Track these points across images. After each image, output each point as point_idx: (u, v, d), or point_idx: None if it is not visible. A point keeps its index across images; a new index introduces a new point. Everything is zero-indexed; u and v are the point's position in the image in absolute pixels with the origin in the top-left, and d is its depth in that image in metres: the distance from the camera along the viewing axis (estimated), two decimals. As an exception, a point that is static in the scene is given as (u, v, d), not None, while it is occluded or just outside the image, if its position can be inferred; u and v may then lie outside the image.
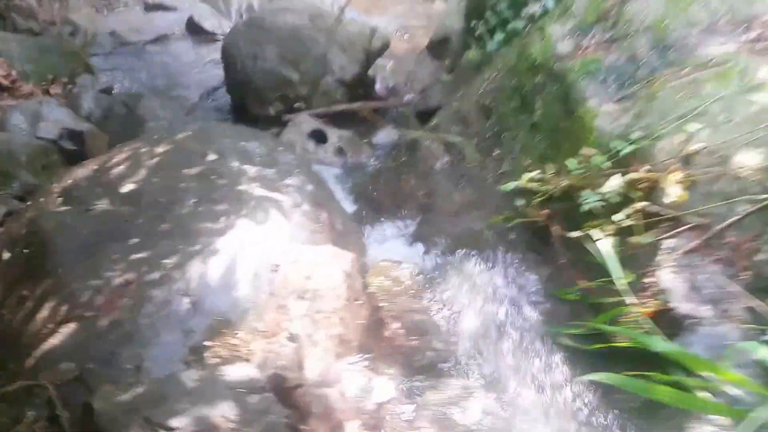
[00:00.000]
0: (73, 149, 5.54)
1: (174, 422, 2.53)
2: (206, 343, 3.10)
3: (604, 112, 4.13)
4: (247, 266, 3.41)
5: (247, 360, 3.09)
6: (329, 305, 3.33)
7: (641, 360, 3.16)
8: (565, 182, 4.01)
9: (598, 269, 3.63)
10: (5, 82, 6.25)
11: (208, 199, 3.74)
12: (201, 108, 7.47)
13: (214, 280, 3.29)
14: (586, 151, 3.94)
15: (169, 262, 3.32)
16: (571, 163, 3.99)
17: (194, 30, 9.32)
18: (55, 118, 5.66)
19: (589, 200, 3.76)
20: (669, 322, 3.32)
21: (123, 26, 8.95)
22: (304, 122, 6.79)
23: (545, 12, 5.41)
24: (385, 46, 7.97)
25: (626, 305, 3.43)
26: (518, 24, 5.71)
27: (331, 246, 3.73)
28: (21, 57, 6.65)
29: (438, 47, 7.96)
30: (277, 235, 3.66)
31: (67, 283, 3.26)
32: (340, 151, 6.55)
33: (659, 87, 4.05)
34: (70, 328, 3.13)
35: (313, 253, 3.52)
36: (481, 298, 3.87)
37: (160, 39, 8.97)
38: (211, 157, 4.06)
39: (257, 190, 3.85)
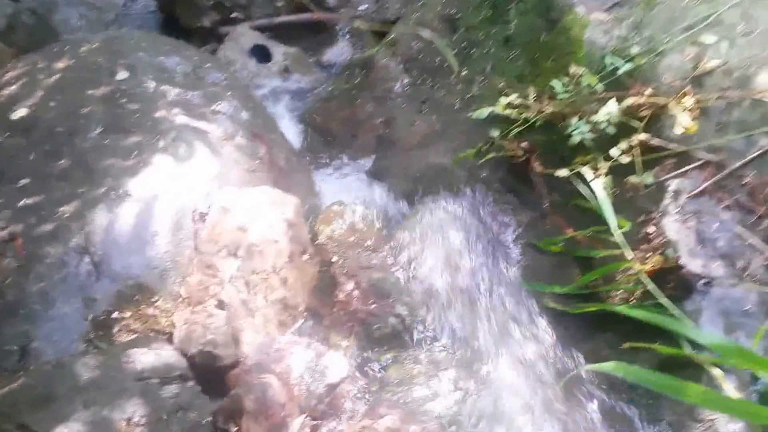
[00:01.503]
0: (-34, 66, 4.82)
1: (60, 430, 2.00)
2: (115, 314, 2.56)
3: (594, 21, 3.63)
4: (166, 215, 2.86)
5: (167, 335, 2.56)
6: (268, 263, 2.79)
7: (638, 325, 2.80)
8: (548, 108, 3.56)
9: (589, 215, 3.25)
10: None
11: (117, 128, 3.15)
12: (124, 19, 6.75)
13: (124, 233, 2.72)
14: (574, 69, 3.48)
15: (65, 209, 2.74)
16: (557, 84, 3.50)
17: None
18: (-56, 29, 4.92)
19: (579, 130, 3.34)
20: (674, 282, 2.95)
21: None
22: (244, 35, 6.16)
23: None
24: (335, -54, 7.28)
25: (623, 260, 3.00)
26: None
27: (270, 188, 3.17)
28: None
29: (395, -51, 7.34)
30: (204, 175, 3.08)
31: (-67, 238, 2.66)
32: (285, 71, 5.96)
33: None
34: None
35: (248, 197, 2.95)
36: (450, 250, 3.37)
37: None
38: (122, 75, 3.43)
39: (178, 118, 3.25)
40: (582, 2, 3.80)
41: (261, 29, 6.45)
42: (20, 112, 3.22)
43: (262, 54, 6.04)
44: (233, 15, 6.51)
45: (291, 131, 4.94)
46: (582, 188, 3.17)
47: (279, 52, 6.06)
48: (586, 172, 3.18)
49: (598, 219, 3.10)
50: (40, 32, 5.72)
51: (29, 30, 5.69)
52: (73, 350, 2.43)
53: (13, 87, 3.40)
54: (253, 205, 2.91)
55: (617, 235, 3.01)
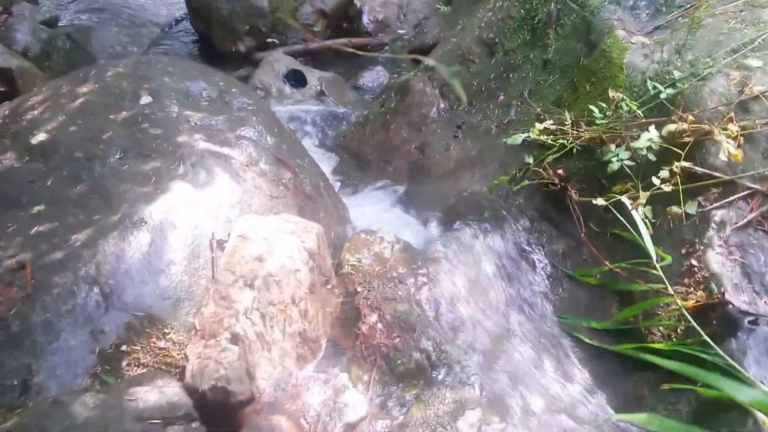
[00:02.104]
0: (0, 90, 4.81)
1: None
2: (124, 347, 2.44)
3: (634, 45, 3.48)
4: (182, 243, 2.74)
5: (179, 369, 2.44)
6: (287, 294, 2.66)
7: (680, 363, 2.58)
8: (586, 134, 3.40)
9: (628, 246, 3.11)
10: None
11: (137, 153, 3.05)
12: (161, 43, 6.75)
13: (137, 262, 2.61)
14: (613, 94, 3.31)
15: (78, 237, 2.63)
16: (595, 109, 3.34)
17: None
18: (-20, 55, 4.93)
19: (617, 157, 3.20)
20: (718, 319, 2.78)
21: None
22: (279, 60, 6.14)
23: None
24: (375, -28, 7.25)
25: (664, 295, 2.83)
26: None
27: (293, 215, 3.05)
28: (-62, -18, 5.87)
29: (436, -26, 7.28)
30: (224, 202, 2.97)
31: (-57, 266, 2.57)
32: (320, 95, 5.90)
33: (704, 13, 3.46)
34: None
35: (267, 225, 2.83)
36: (481, 280, 3.22)
37: (122, -37, 8.18)
38: (145, 99, 3.35)
39: (200, 143, 3.15)
40: (622, 26, 3.67)
41: (297, 54, 6.42)
42: (40, 137, 3.15)
43: (297, 79, 6.00)
44: (269, 40, 6.49)
45: (323, 155, 4.87)
46: (620, 217, 2.99)
47: (314, 76, 6.02)
48: (625, 200, 3.01)
49: (638, 250, 2.93)
50: (76, 57, 5.74)
51: (65, 55, 5.72)
52: (78, 385, 2.30)
53: (36, 111, 3.33)
54: (272, 233, 2.78)
55: (658, 269, 2.83)
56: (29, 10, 6.12)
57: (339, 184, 4.55)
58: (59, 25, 6.48)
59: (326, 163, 4.73)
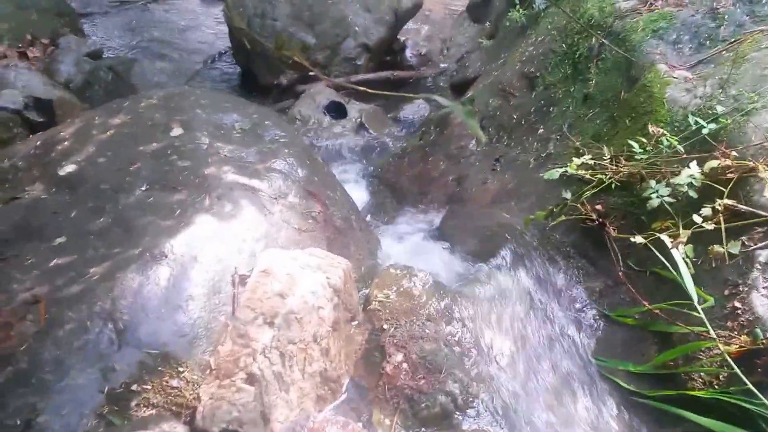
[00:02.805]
0: (40, 121, 4.84)
1: None
2: (134, 387, 2.33)
3: (677, 80, 3.33)
4: (203, 278, 2.63)
5: (191, 410, 2.33)
6: (308, 332, 2.53)
7: (724, 411, 2.54)
8: (625, 169, 3.24)
9: (668, 285, 2.95)
10: (-28, 43, 5.57)
11: (163, 185, 2.98)
12: (202, 75, 6.77)
13: (154, 297, 2.51)
14: (653, 129, 3.16)
15: (96, 271, 2.55)
16: (635, 144, 3.19)
17: (207, -14, 8.63)
18: (24, 85, 4.96)
19: (658, 193, 3.03)
20: (763, 367, 2.60)
21: (125, -18, 8.26)
22: (320, 93, 6.10)
23: (603, -37, 4.66)
24: (417, 6, 7.23)
25: (705, 339, 2.65)
26: (571, -23, 4.94)
27: (319, 250, 2.94)
28: (-7, 15, 5.93)
29: (478, 9, 7.26)
30: (249, 235, 2.87)
31: (-40, 298, 2.51)
32: (360, 127, 5.83)
33: (749, 48, 3.31)
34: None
35: (292, 260, 2.72)
36: (514, 318, 3.07)
37: (166, -3, 8.28)
38: (176, 131, 3.29)
39: (228, 175, 3.07)
40: (664, 60, 3.53)
41: (338, 87, 6.38)
42: (68, 168, 3.10)
43: (337, 111, 5.95)
44: (311, 73, 6.47)
45: (359, 187, 4.80)
46: (660, 256, 2.83)
47: (354, 108, 5.98)
48: (665, 239, 2.85)
49: (678, 290, 2.78)
50: (117, 88, 5.75)
51: (106, 86, 5.74)
52: (83, 426, 2.19)
53: (66, 143, 3.29)
54: (296, 268, 2.67)
55: (699, 311, 2.66)
56: (75, 42, 6.17)
57: (373, 215, 4.46)
58: (103, 57, 6.52)
59: (362, 194, 4.65)
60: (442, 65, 7.25)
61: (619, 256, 3.21)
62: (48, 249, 2.67)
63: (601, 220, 3.31)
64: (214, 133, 3.34)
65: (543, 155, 4.14)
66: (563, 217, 3.45)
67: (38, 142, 3.43)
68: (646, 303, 2.98)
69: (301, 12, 6.39)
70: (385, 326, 2.88)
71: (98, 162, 3.12)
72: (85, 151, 3.20)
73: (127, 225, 2.77)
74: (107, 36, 7.18)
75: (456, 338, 2.89)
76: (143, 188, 2.96)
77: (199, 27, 7.77)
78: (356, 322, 2.89)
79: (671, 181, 2.99)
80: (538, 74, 4.60)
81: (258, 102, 5.96)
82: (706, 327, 2.62)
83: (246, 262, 2.77)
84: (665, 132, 3.12)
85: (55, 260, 2.61)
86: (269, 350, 2.42)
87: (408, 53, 7.47)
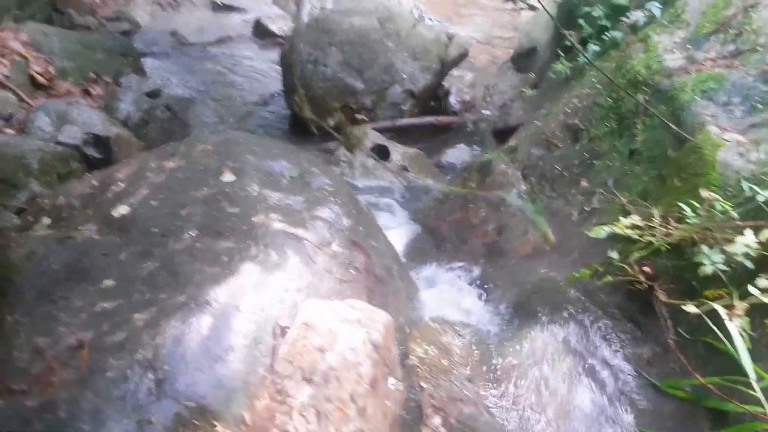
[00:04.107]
0: (97, 157, 4.81)
1: None
2: (168, 440, 2.21)
3: (729, 143, 3.16)
4: (244, 329, 2.51)
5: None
6: (346, 390, 2.40)
7: None
8: (676, 232, 3.05)
9: (722, 357, 2.69)
10: (41, 80, 5.59)
11: (211, 231, 2.88)
12: (255, 116, 6.75)
13: (195, 347, 2.39)
14: (705, 194, 2.97)
15: (140, 317, 2.45)
16: (686, 208, 3.01)
17: (261, 32, 8.73)
18: (84, 121, 4.95)
19: (710, 260, 2.81)
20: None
21: (186, 26, 8.39)
22: (366, 136, 6.01)
23: (650, 20, 4.62)
24: (463, 56, 7.15)
25: (762, 420, 2.44)
26: (617, 34, 4.81)
27: (360, 302, 2.81)
28: (62, 53, 5.97)
29: (522, 59, 7.16)
30: (292, 285, 2.75)
31: (7, 339, 2.42)
32: (402, 170, 5.73)
33: None
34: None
35: (332, 313, 2.60)
36: (556, 384, 2.89)
37: (224, 41, 8.37)
38: (227, 177, 3.20)
39: (275, 223, 2.96)
40: (716, 120, 3.36)
41: (383, 130, 6.32)
42: (121, 210, 3.03)
43: (381, 153, 5.87)
44: (358, 116, 6.42)
45: (400, 230, 4.67)
46: (713, 326, 2.62)
47: (398, 152, 5.89)
48: (720, 309, 2.64)
49: (733, 363, 2.55)
50: (173, 127, 5.75)
51: (162, 124, 5.73)
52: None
53: (122, 184, 3.23)
54: (336, 322, 2.55)
55: (756, 389, 2.44)
56: (136, 81, 6.20)
57: (412, 260, 4.33)
58: (161, 96, 6.54)
59: (402, 238, 4.53)
60: (484, 111, 7.16)
61: (669, 323, 3.02)
62: (96, 292, 2.58)
63: (649, 283, 3.12)
64: (263, 180, 3.24)
65: (586, 209, 3.98)
66: (609, 278, 3.27)
67: (94, 182, 3.36)
68: (698, 377, 2.76)
69: (351, 59, 6.37)
70: (424, 384, 2.74)
71: (150, 205, 3.04)
72: (139, 193, 3.12)
73: (174, 270, 2.68)
74: (166, 76, 7.21)
75: (495, 401, 2.74)
76: (193, 234, 2.87)
77: (254, 70, 7.78)
78: (393, 380, 2.75)
79: (725, 248, 2.80)
80: (582, 126, 4.46)
81: (305, 141, 5.93)
82: (764, 408, 2.41)
83: (287, 312, 2.65)
84: (718, 197, 2.94)
85: (101, 304, 2.52)
86: (306, 408, 2.29)
87: (452, 99, 7.39)
